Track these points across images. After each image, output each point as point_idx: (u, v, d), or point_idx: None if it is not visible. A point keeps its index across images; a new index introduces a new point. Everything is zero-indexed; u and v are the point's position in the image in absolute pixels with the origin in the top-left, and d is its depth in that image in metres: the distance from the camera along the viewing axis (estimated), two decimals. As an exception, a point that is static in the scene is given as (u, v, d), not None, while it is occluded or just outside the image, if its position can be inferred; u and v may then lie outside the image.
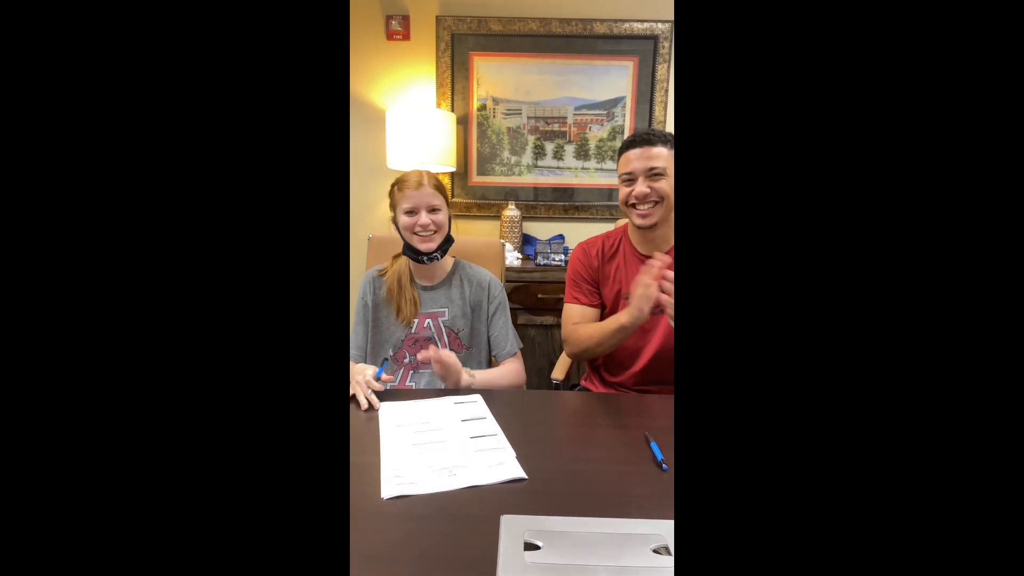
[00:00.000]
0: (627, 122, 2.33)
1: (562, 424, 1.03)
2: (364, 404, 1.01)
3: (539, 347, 2.15)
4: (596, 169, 2.37)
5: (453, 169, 2.26)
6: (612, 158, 2.34)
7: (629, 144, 1.19)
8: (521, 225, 2.28)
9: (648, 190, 1.14)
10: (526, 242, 2.34)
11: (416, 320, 1.24)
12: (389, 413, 0.99)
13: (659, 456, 0.82)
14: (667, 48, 2.27)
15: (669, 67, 2.28)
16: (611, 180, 2.35)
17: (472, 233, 2.41)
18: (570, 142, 2.35)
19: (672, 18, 2.24)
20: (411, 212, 1.20)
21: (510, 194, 2.38)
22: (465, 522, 0.67)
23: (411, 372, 1.24)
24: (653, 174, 1.14)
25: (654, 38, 2.27)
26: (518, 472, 0.78)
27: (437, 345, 1.24)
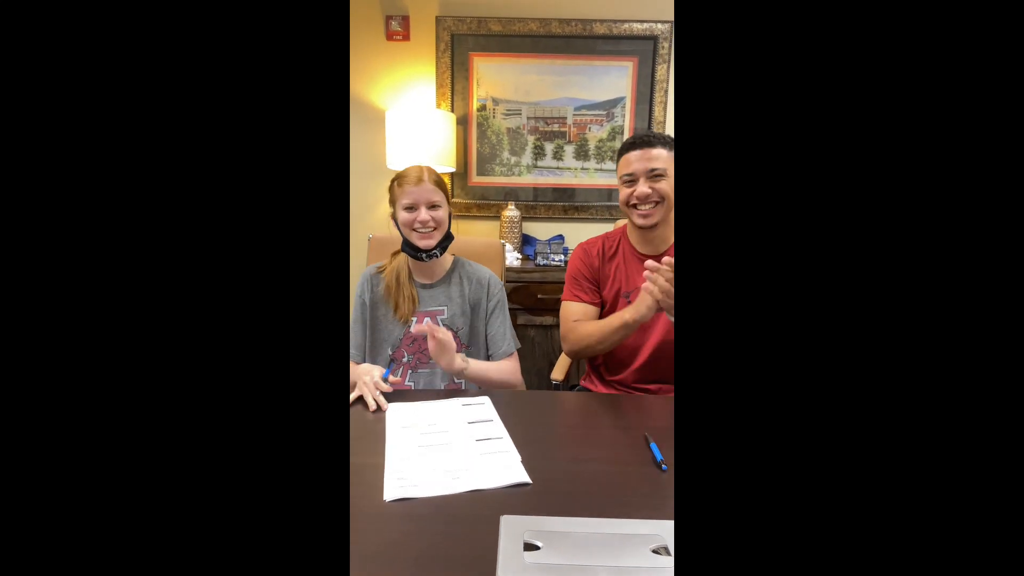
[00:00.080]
0: (627, 122, 2.33)
1: (562, 424, 1.03)
2: (372, 405, 1.01)
3: (539, 347, 2.15)
4: (596, 169, 2.37)
5: (453, 169, 2.26)
6: (612, 158, 2.34)
7: (629, 146, 1.20)
8: (521, 225, 2.28)
9: (650, 190, 1.16)
10: (526, 242, 2.35)
11: (414, 319, 1.24)
12: (396, 414, 0.99)
13: (659, 456, 0.82)
14: (667, 48, 2.27)
15: (669, 67, 2.28)
16: (611, 180, 2.35)
17: (472, 233, 2.41)
18: (570, 142, 2.35)
19: (672, 18, 2.24)
20: (411, 208, 1.18)
21: (510, 194, 2.38)
22: (465, 522, 0.67)
23: (409, 371, 1.24)
24: (654, 175, 1.16)
25: (654, 38, 2.27)
26: (522, 477, 0.77)
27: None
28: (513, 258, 2.17)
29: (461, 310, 1.26)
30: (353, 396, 1.05)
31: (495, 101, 2.33)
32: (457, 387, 1.24)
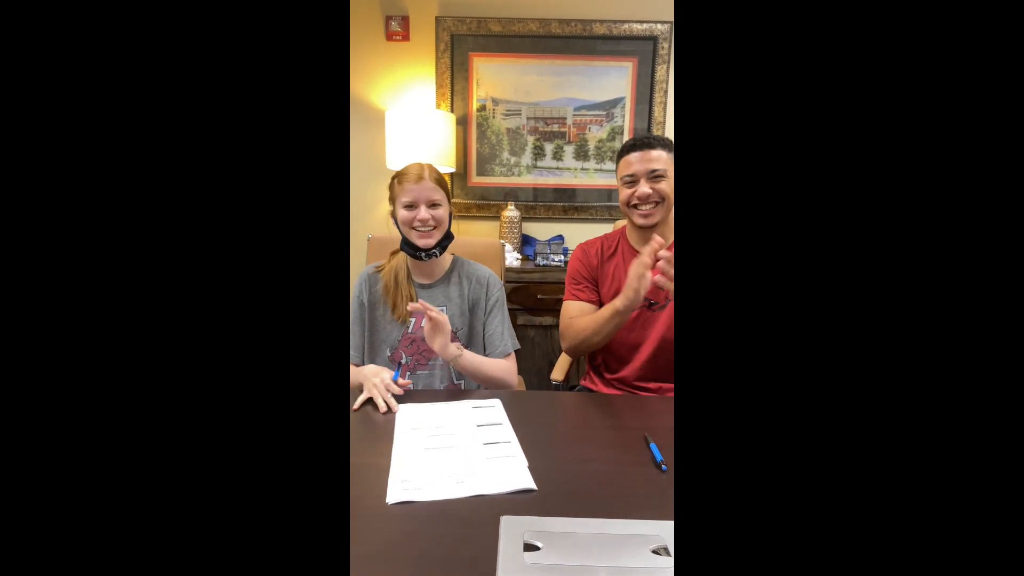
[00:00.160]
0: (626, 123, 2.33)
1: (562, 425, 1.03)
2: (383, 407, 1.01)
3: (538, 347, 2.15)
4: (595, 170, 2.37)
5: (453, 170, 2.26)
6: (611, 159, 2.34)
7: (629, 148, 1.22)
8: (520, 226, 2.28)
9: (650, 191, 1.18)
10: (525, 243, 2.34)
11: (413, 319, 1.22)
12: (406, 415, 0.99)
13: (659, 457, 0.82)
14: (666, 49, 2.27)
15: (668, 68, 2.28)
16: (610, 181, 2.35)
17: (472, 234, 2.41)
18: (569, 143, 2.35)
19: (672, 19, 2.24)
20: (411, 206, 1.16)
21: (509, 195, 2.38)
22: (465, 523, 0.67)
23: (408, 372, 1.23)
24: (654, 176, 1.18)
25: (653, 39, 2.27)
26: (527, 483, 0.76)
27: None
28: (513, 258, 2.17)
29: (460, 310, 1.24)
30: (362, 398, 1.04)
31: (495, 101, 2.33)
32: (457, 387, 1.23)
